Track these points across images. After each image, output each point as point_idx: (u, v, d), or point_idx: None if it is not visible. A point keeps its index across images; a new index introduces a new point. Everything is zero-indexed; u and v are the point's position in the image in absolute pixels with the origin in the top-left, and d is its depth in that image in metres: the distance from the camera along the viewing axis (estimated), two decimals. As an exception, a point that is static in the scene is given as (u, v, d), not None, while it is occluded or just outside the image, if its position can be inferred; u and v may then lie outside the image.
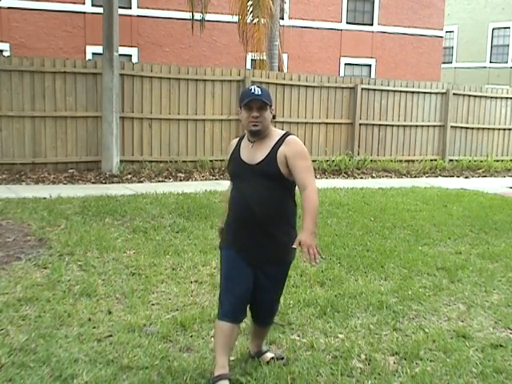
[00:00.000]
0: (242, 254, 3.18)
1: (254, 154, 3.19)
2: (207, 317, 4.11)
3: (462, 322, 4.32)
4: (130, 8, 17.65)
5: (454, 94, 14.06)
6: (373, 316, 4.32)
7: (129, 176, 10.74)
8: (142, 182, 10.55)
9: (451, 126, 14.12)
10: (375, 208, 8.37)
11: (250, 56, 16.63)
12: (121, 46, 11.52)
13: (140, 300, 4.45)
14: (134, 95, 11.23)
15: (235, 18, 14.40)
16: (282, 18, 17.62)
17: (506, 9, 29.11)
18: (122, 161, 11.03)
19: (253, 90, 3.16)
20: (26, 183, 9.84)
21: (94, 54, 16.84)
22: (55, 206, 7.57)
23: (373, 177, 12.55)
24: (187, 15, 15.11)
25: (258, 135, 3.20)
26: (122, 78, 11.01)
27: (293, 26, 19.53)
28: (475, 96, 14.47)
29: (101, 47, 11.13)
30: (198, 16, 14.81)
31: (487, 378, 3.41)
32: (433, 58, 22.08)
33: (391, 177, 12.75)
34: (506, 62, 29.26)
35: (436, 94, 13.97)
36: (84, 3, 17.28)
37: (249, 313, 3.40)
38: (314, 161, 12.33)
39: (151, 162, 11.40)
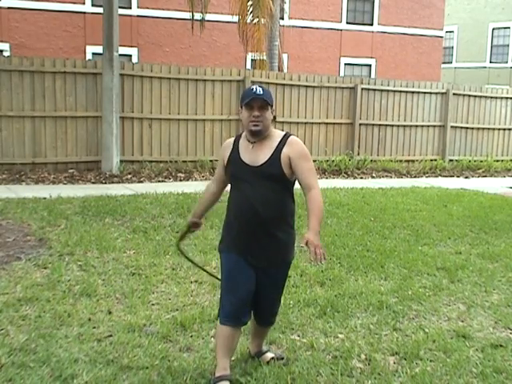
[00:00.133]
0: (244, 256, 3.16)
1: (255, 156, 3.15)
2: (207, 317, 4.11)
3: (462, 322, 4.32)
4: (130, 8, 17.66)
5: (453, 93, 14.06)
6: (373, 316, 4.32)
7: (129, 176, 10.74)
8: (141, 181, 10.55)
9: (451, 126, 14.13)
10: (375, 208, 8.37)
11: (250, 56, 16.63)
12: (121, 46, 11.52)
13: (140, 300, 4.45)
14: (134, 95, 11.23)
15: (235, 18, 14.40)
16: (282, 18, 17.62)
17: (505, 9, 29.11)
18: (121, 161, 11.03)
19: (254, 90, 3.13)
20: (26, 183, 9.84)
21: (94, 53, 16.84)
22: (55, 206, 7.57)
23: (373, 177, 12.55)
24: (187, 15, 15.11)
25: (258, 135, 3.16)
26: (121, 77, 11.01)
27: (293, 26, 19.53)
28: (475, 96, 14.47)
29: (101, 47, 11.14)
30: (197, 16, 14.81)
31: (487, 378, 3.41)
32: (433, 58, 22.08)
33: (391, 177, 12.75)
34: (506, 62, 29.26)
35: (436, 93, 13.97)
36: (84, 3, 17.29)
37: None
38: (314, 161, 12.08)
39: (151, 161, 11.40)
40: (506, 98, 14.84)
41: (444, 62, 27.39)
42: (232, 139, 3.37)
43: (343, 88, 13.03)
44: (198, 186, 9.67)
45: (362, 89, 13.13)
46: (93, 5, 17.06)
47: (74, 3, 17.16)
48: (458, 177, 13.30)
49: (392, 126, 13.61)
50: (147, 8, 17.93)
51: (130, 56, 17.53)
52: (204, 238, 6.16)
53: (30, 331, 3.79)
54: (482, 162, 14.30)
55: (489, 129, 14.74)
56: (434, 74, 21.89)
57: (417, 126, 13.88)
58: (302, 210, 4.97)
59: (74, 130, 10.83)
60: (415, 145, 13.93)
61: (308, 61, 20.11)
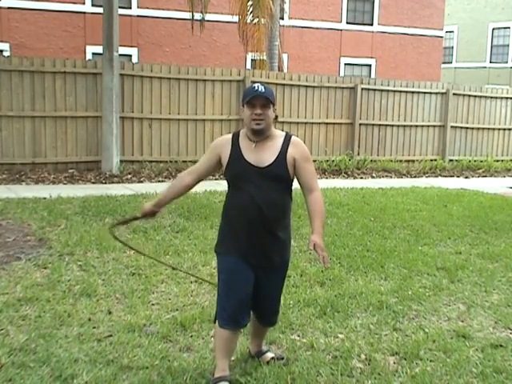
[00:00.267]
0: (244, 257, 3.14)
1: (260, 156, 3.12)
2: (207, 317, 4.11)
3: (462, 322, 4.32)
4: (130, 8, 17.66)
5: (453, 93, 14.06)
6: (373, 316, 4.32)
7: (129, 176, 10.74)
8: (142, 182, 10.55)
9: (451, 126, 14.13)
10: (375, 208, 8.37)
11: (250, 56, 16.63)
12: (121, 46, 11.52)
13: (140, 300, 4.45)
14: (134, 95, 11.24)
15: (235, 18, 14.40)
16: (282, 18, 17.62)
17: (505, 9, 29.12)
18: (122, 161, 11.03)
19: (256, 88, 3.09)
20: (26, 183, 9.84)
21: (94, 54, 16.84)
22: (55, 206, 7.57)
23: (373, 177, 12.55)
24: (187, 15, 15.11)
25: (261, 134, 3.13)
26: (121, 78, 11.01)
27: (293, 26, 19.53)
28: (475, 96, 14.48)
29: (101, 47, 11.14)
30: (197, 16, 14.82)
31: (487, 378, 3.41)
32: (433, 58, 22.08)
33: (391, 177, 12.75)
34: (506, 62, 29.26)
35: (436, 93, 13.98)
36: (84, 3, 17.29)
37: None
38: (314, 161, 12.22)
39: (151, 161, 11.40)
40: (506, 98, 14.84)
41: (444, 62, 27.39)
42: (228, 136, 3.26)
43: (343, 88, 13.03)
44: (198, 186, 9.66)
45: (362, 89, 13.13)
46: (93, 5, 17.06)
47: (74, 3, 17.16)
48: (458, 177, 13.30)
49: (392, 126, 13.61)
50: (147, 8, 17.93)
51: (130, 56, 17.54)
52: (204, 238, 6.16)
53: (29, 331, 3.79)
54: (482, 162, 14.30)
55: (489, 129, 14.74)
56: (434, 74, 21.89)
57: (417, 125, 13.88)
58: (302, 209, 4.96)
59: (74, 130, 10.83)
60: (415, 145, 13.93)
61: (308, 61, 20.11)
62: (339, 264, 5.57)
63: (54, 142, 10.70)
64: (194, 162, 13.00)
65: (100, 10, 11.93)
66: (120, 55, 11.10)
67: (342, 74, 20.59)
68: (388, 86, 13.53)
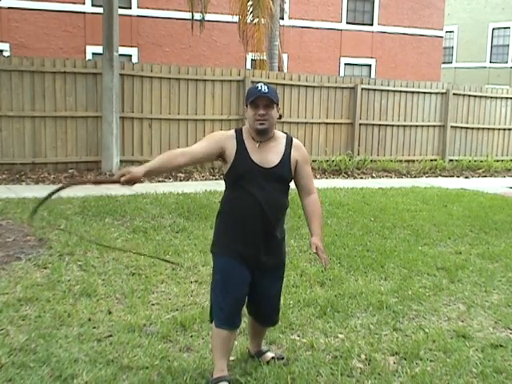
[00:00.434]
0: (242, 257, 3.14)
1: (264, 157, 3.12)
2: (207, 317, 4.09)
3: (462, 322, 4.32)
4: (130, 8, 17.65)
5: (454, 94, 14.06)
6: (373, 316, 4.32)
7: (129, 176, 10.72)
8: (141, 181, 10.53)
9: (451, 126, 14.13)
10: (375, 208, 8.37)
11: (250, 56, 16.64)
12: (121, 46, 11.52)
13: (140, 300, 4.45)
14: (134, 95, 11.23)
15: (235, 18, 14.40)
16: (282, 18, 17.61)
17: (505, 9, 29.12)
18: (122, 161, 11.03)
19: (259, 88, 3.08)
20: (26, 183, 9.84)
21: (94, 54, 16.84)
22: (55, 206, 7.56)
23: (373, 177, 12.55)
24: (187, 15, 15.11)
25: (264, 134, 3.13)
26: (122, 78, 11.01)
27: (293, 26, 19.53)
28: (475, 96, 14.47)
29: (101, 47, 11.14)
30: (197, 16, 14.81)
31: (487, 378, 3.41)
32: (433, 58, 22.08)
33: (391, 177, 12.75)
34: (506, 62, 29.26)
35: (436, 93, 13.97)
36: (84, 3, 17.29)
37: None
38: (314, 161, 12.35)
39: (151, 162, 11.37)
40: (506, 98, 14.84)
41: (444, 62, 27.39)
42: (231, 133, 3.20)
43: (343, 88, 13.03)
44: (198, 186, 9.68)
45: (362, 89, 13.13)
46: (93, 5, 17.06)
47: (74, 3, 17.16)
48: (458, 177, 13.30)
49: (392, 125, 13.60)
50: (147, 8, 17.93)
51: (130, 56, 17.53)
52: (204, 238, 6.16)
53: (30, 331, 3.79)
54: (482, 162, 14.30)
55: (489, 129, 14.73)
56: (434, 73, 21.89)
57: (417, 125, 13.88)
58: (302, 209, 4.95)
59: (74, 130, 10.83)
60: (415, 145, 13.93)
61: (308, 61, 20.11)
62: (339, 264, 5.57)
63: (54, 142, 10.70)
64: (194, 161, 12.58)
65: (100, 10, 11.93)
66: (120, 55, 11.10)
67: (342, 73, 20.59)
68: (388, 86, 13.53)
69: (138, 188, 9.49)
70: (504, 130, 14.93)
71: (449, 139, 14.14)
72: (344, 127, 13.12)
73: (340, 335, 3.95)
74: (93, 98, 10.90)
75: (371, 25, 21.24)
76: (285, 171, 3.15)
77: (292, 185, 3.27)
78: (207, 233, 6.37)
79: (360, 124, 13.19)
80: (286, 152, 3.16)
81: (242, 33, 14.21)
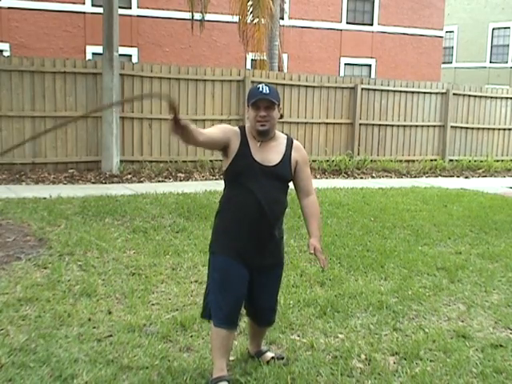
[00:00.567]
0: (241, 257, 3.14)
1: (265, 155, 3.15)
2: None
3: (462, 322, 4.32)
4: (130, 8, 17.65)
5: (454, 94, 14.06)
6: (373, 316, 4.32)
7: (129, 176, 10.74)
8: (142, 182, 10.55)
9: (451, 126, 14.13)
10: (375, 208, 8.37)
11: (250, 56, 16.64)
12: (121, 46, 11.52)
13: (140, 300, 4.45)
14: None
15: (235, 18, 14.41)
16: (282, 18, 17.62)
17: (505, 9, 29.12)
18: (122, 161, 11.03)
19: (261, 89, 3.10)
20: (26, 183, 9.84)
21: (94, 54, 16.84)
22: (55, 206, 7.57)
23: (373, 177, 12.55)
24: (187, 15, 15.11)
25: (265, 135, 3.16)
26: (121, 78, 11.01)
27: (293, 26, 19.53)
28: (475, 96, 14.47)
29: (101, 47, 11.14)
30: (197, 16, 14.81)
31: (487, 378, 3.41)
32: (433, 58, 22.08)
33: (391, 177, 12.75)
34: (506, 62, 29.26)
35: (436, 93, 13.98)
36: (84, 3, 17.29)
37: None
38: (313, 161, 12.35)
39: (151, 161, 11.40)
40: (506, 98, 14.84)
41: (444, 62, 27.39)
42: (236, 128, 3.23)
43: (343, 88, 13.03)
44: (198, 186, 9.68)
45: (362, 89, 13.13)
46: (93, 5, 17.06)
47: (74, 3, 17.16)
48: (458, 177, 13.30)
49: (392, 126, 13.61)
50: (147, 8, 17.93)
51: (130, 56, 17.54)
52: (204, 238, 6.15)
53: (30, 331, 3.79)
54: (482, 162, 14.30)
55: (489, 129, 14.73)
56: (434, 74, 21.89)
57: (417, 126, 13.88)
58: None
59: (74, 130, 10.83)
60: (415, 145, 13.93)
61: (308, 61, 20.11)
62: (339, 264, 5.57)
63: (54, 142, 10.70)
64: (194, 162, 12.94)
65: (100, 10, 11.93)
66: (120, 55, 11.10)
67: (342, 73, 20.59)
68: (388, 86, 13.53)
69: (138, 188, 9.50)
70: (504, 129, 14.93)
71: (449, 139, 14.14)
72: (344, 127, 13.12)
73: (340, 335, 3.95)
74: (93, 98, 10.90)
75: (371, 25, 21.24)
76: (285, 170, 3.18)
77: (291, 185, 3.30)
78: (207, 233, 6.36)
79: (360, 124, 13.19)
80: (286, 152, 3.20)
81: (242, 33, 14.22)
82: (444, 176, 13.23)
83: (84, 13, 17.22)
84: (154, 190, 9.11)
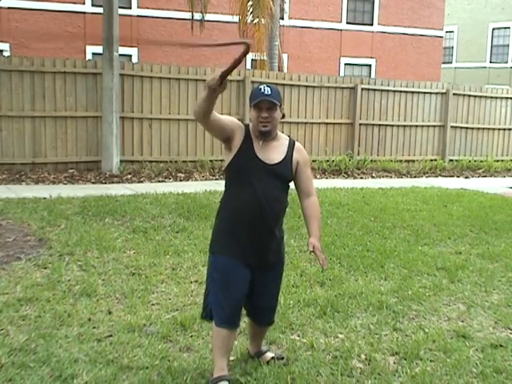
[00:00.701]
0: (242, 256, 3.15)
1: (268, 154, 3.17)
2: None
3: (462, 322, 4.32)
4: (130, 8, 17.65)
5: (454, 94, 14.06)
6: (373, 316, 4.32)
7: (129, 176, 10.74)
8: (142, 182, 10.55)
9: (451, 126, 14.13)
10: (375, 208, 8.37)
11: (250, 56, 16.63)
12: (121, 46, 11.51)
13: (140, 300, 4.45)
14: (134, 95, 11.23)
15: (235, 18, 14.41)
16: (282, 18, 17.62)
17: (505, 9, 29.12)
18: (122, 161, 11.03)
19: (263, 90, 3.12)
20: (26, 183, 9.84)
21: (93, 54, 16.84)
22: (55, 206, 7.57)
23: (373, 177, 12.55)
24: (187, 15, 15.11)
25: (267, 135, 3.18)
26: (121, 78, 11.01)
27: (293, 26, 19.53)
28: (475, 96, 14.47)
29: (101, 47, 11.13)
30: (197, 16, 14.82)
31: (487, 378, 3.41)
32: (433, 58, 22.08)
33: (391, 177, 12.75)
34: (506, 62, 29.26)
35: (436, 93, 13.98)
36: (84, 3, 17.29)
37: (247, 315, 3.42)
38: (314, 161, 12.34)
39: (151, 162, 11.40)
40: (506, 98, 14.84)
41: (444, 62, 27.39)
42: (242, 124, 3.25)
43: (343, 88, 13.03)
44: (198, 186, 9.68)
45: (362, 89, 13.13)
46: (93, 5, 17.06)
47: (74, 3, 17.15)
48: (458, 177, 13.30)
49: (392, 126, 13.61)
50: (147, 8, 17.92)
51: (130, 56, 17.53)
52: (204, 238, 6.15)
53: (30, 331, 3.79)
54: (482, 162, 14.30)
55: (489, 129, 14.74)
56: (434, 74, 21.89)
57: (417, 126, 13.88)
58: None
59: (74, 130, 10.83)
60: (415, 145, 13.93)
61: (308, 61, 20.11)
62: (339, 264, 5.57)
63: (54, 142, 10.70)
64: (194, 162, 12.95)
65: (100, 10, 11.93)
66: (120, 55, 11.09)
67: (342, 73, 20.59)
68: (388, 86, 13.53)
69: (138, 188, 9.50)
70: (504, 129, 14.93)
71: (449, 139, 14.14)
72: (344, 127, 13.12)
73: (340, 335, 3.95)
74: (93, 98, 10.90)
75: (371, 25, 21.24)
76: (286, 170, 3.20)
77: (292, 185, 3.30)
78: (207, 233, 6.36)
79: (360, 124, 13.19)
80: (288, 153, 3.22)
81: (242, 33, 14.22)
82: (444, 176, 13.23)
83: (84, 13, 17.21)
84: (154, 190, 9.11)
